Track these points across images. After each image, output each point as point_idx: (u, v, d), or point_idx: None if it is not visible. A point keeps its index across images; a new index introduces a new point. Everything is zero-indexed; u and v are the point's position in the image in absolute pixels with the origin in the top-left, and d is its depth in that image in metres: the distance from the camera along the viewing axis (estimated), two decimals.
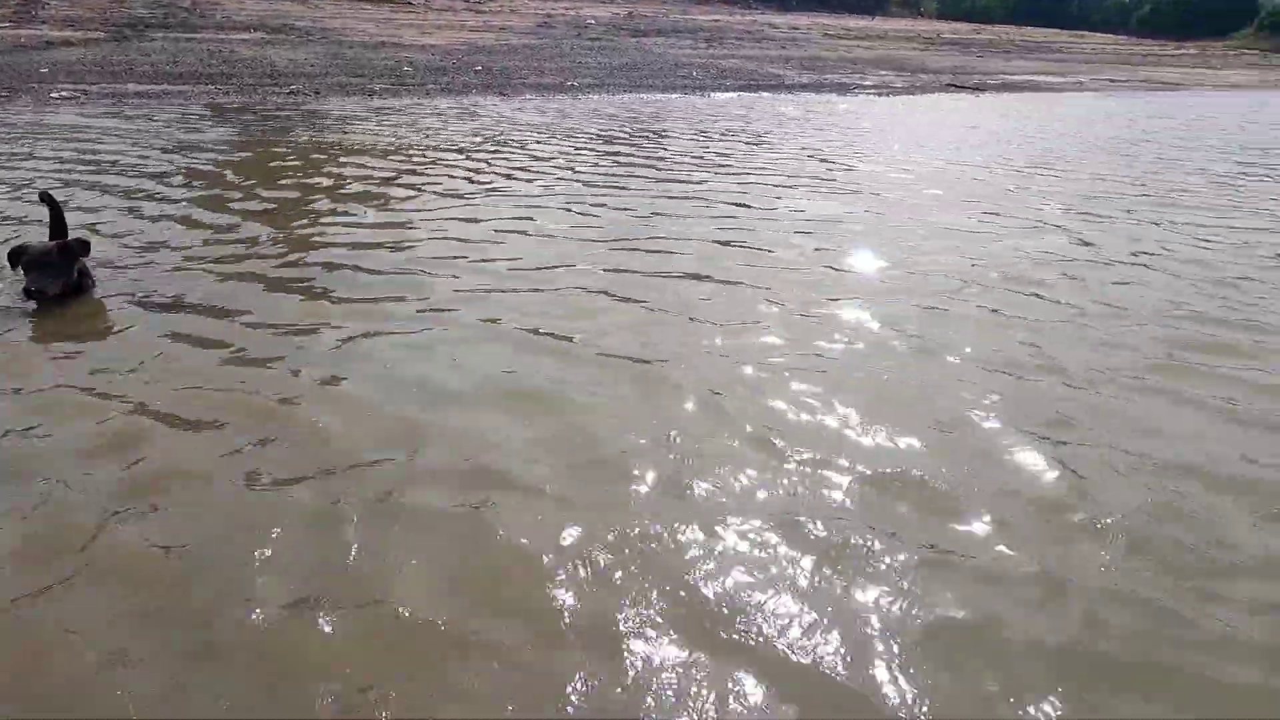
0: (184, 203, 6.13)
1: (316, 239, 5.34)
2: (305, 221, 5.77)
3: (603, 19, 28.69)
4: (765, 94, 17.13)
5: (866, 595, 2.12)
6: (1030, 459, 2.78)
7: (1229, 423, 3.08)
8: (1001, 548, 2.32)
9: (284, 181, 7.10)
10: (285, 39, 18.94)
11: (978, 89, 19.73)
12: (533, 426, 2.91)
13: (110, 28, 19.18)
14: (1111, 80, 24.93)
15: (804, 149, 9.85)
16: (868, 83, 19.57)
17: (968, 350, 3.67)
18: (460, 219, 5.97)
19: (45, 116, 10.29)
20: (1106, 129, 13.20)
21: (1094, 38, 42.11)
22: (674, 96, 15.80)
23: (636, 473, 2.63)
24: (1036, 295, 4.51)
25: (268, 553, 2.21)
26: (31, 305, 3.87)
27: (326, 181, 7.11)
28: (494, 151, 8.90)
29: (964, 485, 2.61)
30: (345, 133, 9.89)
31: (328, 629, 1.96)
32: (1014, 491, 2.59)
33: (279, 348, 3.57)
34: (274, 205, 6.22)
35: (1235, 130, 13.57)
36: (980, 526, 2.41)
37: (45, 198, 4.45)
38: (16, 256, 3.91)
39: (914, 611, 2.06)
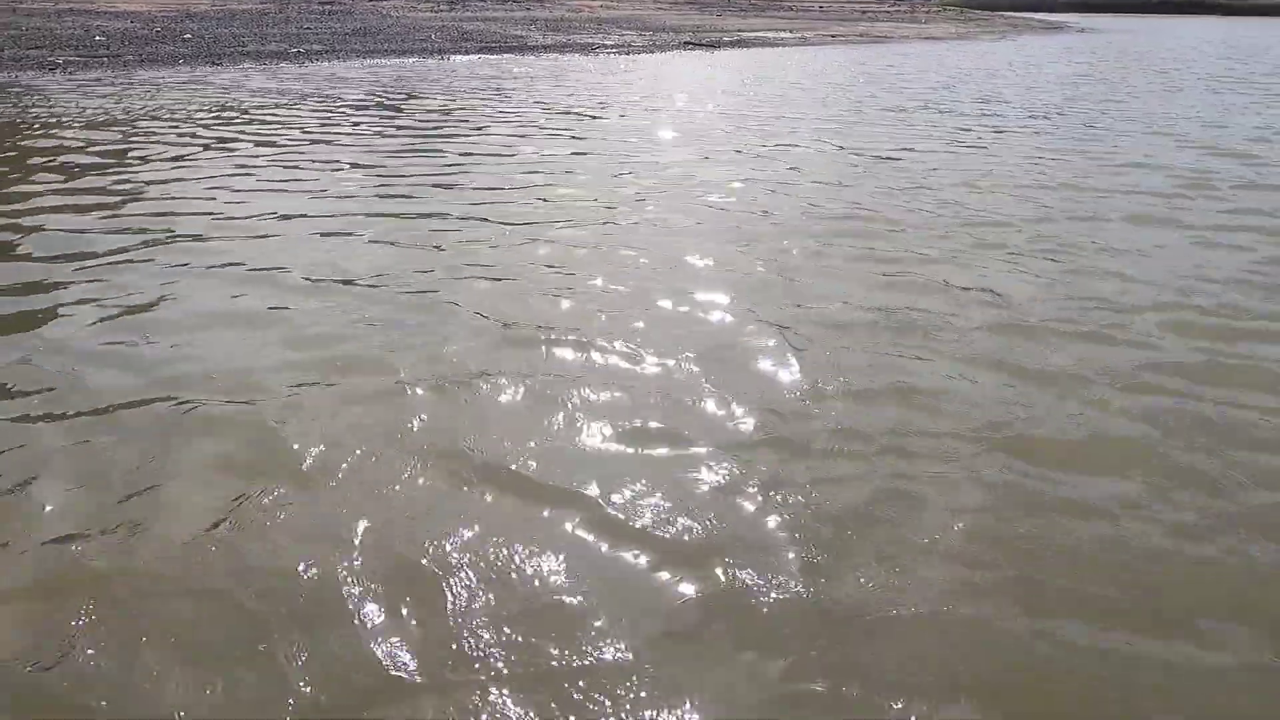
0: None
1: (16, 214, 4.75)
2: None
3: None
4: (508, 56, 17.01)
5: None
6: (733, 318, 3.47)
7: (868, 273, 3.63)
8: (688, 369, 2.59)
9: None
10: None
11: (713, 46, 20.77)
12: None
13: None
14: (833, 35, 27.14)
15: (540, 104, 10.01)
16: (609, 42, 19.98)
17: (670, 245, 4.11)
18: (190, 181, 5.73)
19: None
20: (816, 77, 14.41)
21: None
22: (411, 61, 15.29)
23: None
24: (723, 207, 5.22)
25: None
26: None
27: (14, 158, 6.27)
28: (223, 120, 8.32)
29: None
30: (28, 108, 8.69)
31: None
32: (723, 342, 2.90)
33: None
34: None
35: (919, 74, 15.31)
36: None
37: None
38: None
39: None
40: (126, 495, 2.26)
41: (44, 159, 6.38)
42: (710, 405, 2.78)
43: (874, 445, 2.54)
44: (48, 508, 2.21)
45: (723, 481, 2.36)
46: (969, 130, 8.52)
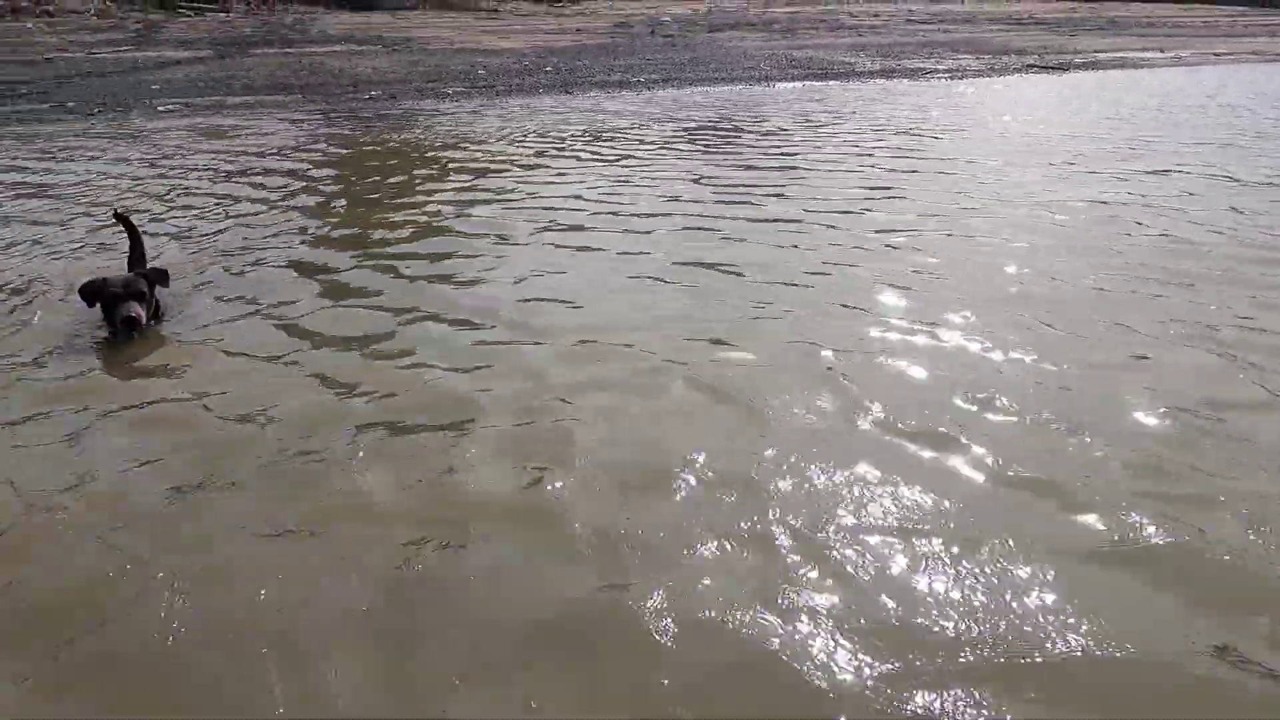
0: (289, 199, 6.87)
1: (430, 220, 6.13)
2: (411, 204, 6.53)
3: (680, 16, 28.93)
4: (834, 83, 16.99)
5: None
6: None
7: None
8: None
9: (378, 170, 7.90)
10: (372, 50, 19.99)
11: (1061, 68, 18.99)
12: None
13: (216, 46, 20.69)
14: (1216, 54, 23.44)
15: (870, 126, 10.06)
16: (942, 67, 19.12)
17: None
18: (572, 183, 6.99)
19: (153, 125, 11.34)
20: (1194, 99, 12.56)
21: (1205, 10, 39.53)
22: (738, 88, 15.90)
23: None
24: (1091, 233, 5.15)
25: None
26: (101, 337, 3.87)
27: (421, 169, 7.97)
28: (592, 136, 9.64)
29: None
30: (425, 128, 10.57)
31: None
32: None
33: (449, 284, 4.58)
34: (376, 189, 7.12)
35: None
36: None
37: (122, 220, 4.38)
38: (95, 293, 3.78)
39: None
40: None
41: (457, 165, 7.93)
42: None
43: None
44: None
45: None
46: None
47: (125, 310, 3.68)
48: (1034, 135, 9.01)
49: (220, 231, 5.74)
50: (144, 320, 3.76)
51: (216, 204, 6.57)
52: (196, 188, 7.23)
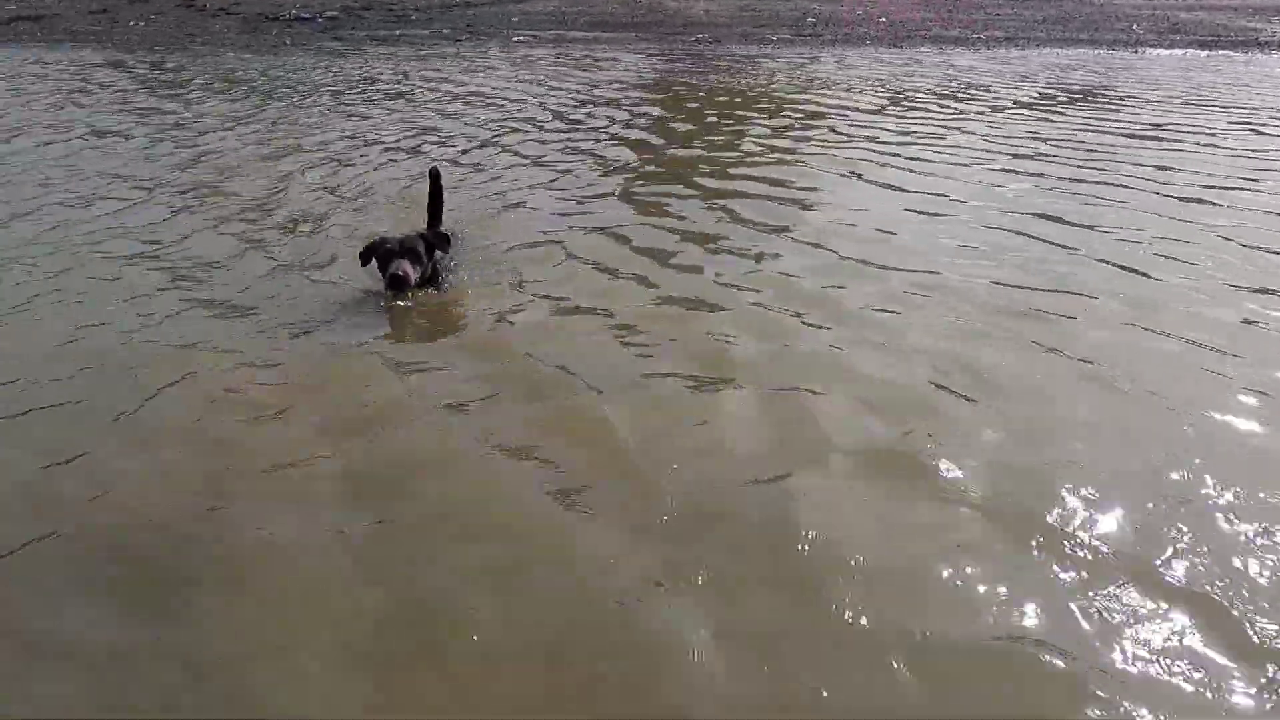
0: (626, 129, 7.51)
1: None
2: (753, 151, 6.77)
3: None
4: (1225, 53, 14.31)
5: None
6: None
7: None
8: None
9: (725, 106, 8.41)
10: None
11: None
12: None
13: None
14: None
15: (1256, 109, 8.49)
16: None
17: None
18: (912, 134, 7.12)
19: (518, 54, 12.68)
20: None
21: None
22: (1099, 52, 13.99)
23: None
24: None
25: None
26: (374, 296, 3.70)
27: (763, 108, 8.32)
28: (944, 94, 9.39)
29: None
30: (765, 72, 10.89)
31: None
32: None
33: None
34: (719, 129, 7.49)
35: None
36: None
37: (432, 175, 4.24)
38: (369, 250, 3.66)
39: None
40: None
41: (799, 108, 8.27)
42: None
43: None
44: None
45: None
46: None
47: (394, 268, 3.56)
48: None
49: (587, 151, 6.50)
50: (413, 280, 3.57)
51: (582, 124, 7.53)
52: (564, 108, 8.27)
